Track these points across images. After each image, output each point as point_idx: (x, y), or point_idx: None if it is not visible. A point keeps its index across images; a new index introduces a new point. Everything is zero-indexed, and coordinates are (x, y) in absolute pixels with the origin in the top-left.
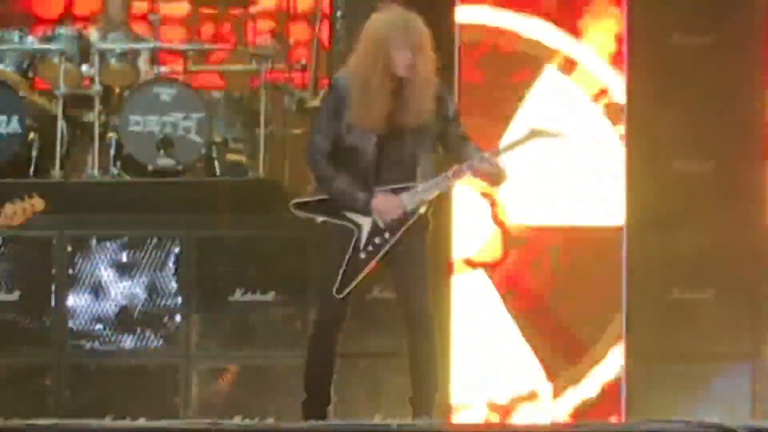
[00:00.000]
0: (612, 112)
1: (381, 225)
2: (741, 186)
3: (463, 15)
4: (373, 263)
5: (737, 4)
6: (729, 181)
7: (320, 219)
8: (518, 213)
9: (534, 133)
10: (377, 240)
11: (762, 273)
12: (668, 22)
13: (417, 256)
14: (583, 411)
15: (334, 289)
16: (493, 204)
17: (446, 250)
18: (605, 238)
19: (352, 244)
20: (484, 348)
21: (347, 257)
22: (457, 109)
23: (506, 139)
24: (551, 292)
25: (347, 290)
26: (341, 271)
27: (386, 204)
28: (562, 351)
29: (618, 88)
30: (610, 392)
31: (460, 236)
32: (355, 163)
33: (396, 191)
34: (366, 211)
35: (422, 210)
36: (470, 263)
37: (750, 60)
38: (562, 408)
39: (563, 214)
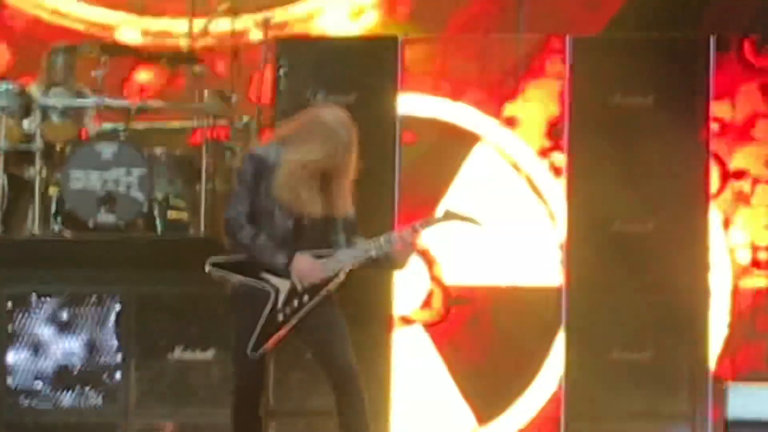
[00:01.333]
0: (556, 167)
1: (299, 288)
2: (681, 247)
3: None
4: (290, 325)
5: (677, 64)
6: (669, 243)
7: (236, 279)
8: (457, 273)
9: (448, 216)
10: (295, 303)
11: (700, 334)
12: (609, 83)
13: (332, 316)
14: None
15: (249, 350)
16: (430, 263)
17: (387, 306)
18: (544, 297)
19: (269, 306)
20: (422, 401)
21: (263, 319)
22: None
23: (423, 217)
24: (487, 349)
25: (261, 351)
26: (256, 332)
27: (306, 267)
28: (495, 401)
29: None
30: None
31: (399, 293)
32: (275, 228)
33: (315, 257)
34: (285, 274)
35: (340, 278)
36: (408, 320)
37: (690, 120)
38: None
39: (503, 275)
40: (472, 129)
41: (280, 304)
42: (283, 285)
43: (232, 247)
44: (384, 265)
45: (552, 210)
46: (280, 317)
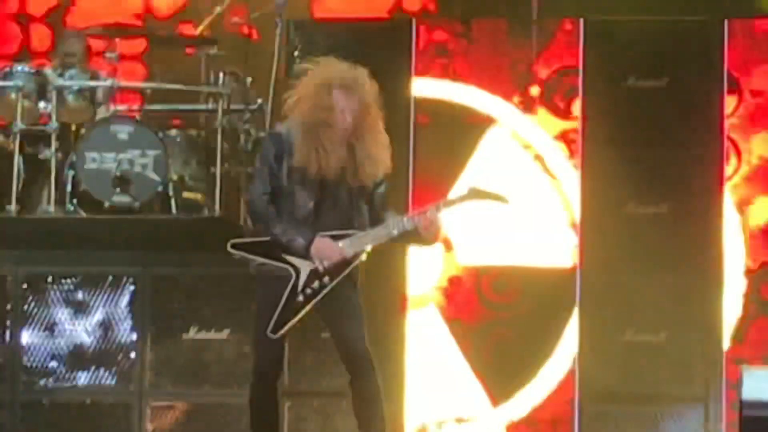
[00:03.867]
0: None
1: (320, 269)
2: (695, 229)
3: (417, 87)
4: (309, 307)
5: (691, 48)
6: (683, 225)
7: (258, 261)
8: (471, 253)
9: (473, 194)
10: (316, 284)
11: (715, 317)
12: (623, 66)
13: (350, 299)
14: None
15: (269, 330)
16: (446, 245)
17: (401, 287)
18: (558, 278)
19: (290, 287)
20: (436, 382)
21: (284, 300)
22: (388, 171)
23: (448, 195)
24: (501, 330)
25: (282, 332)
26: (277, 313)
27: (326, 249)
28: (508, 382)
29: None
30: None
31: (414, 273)
32: (296, 208)
33: (336, 237)
34: (305, 255)
35: (362, 258)
36: (422, 300)
37: (704, 102)
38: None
39: (516, 255)
40: (485, 112)
41: (300, 286)
42: (304, 266)
43: (255, 227)
44: (411, 242)
45: (566, 192)
46: (301, 298)
